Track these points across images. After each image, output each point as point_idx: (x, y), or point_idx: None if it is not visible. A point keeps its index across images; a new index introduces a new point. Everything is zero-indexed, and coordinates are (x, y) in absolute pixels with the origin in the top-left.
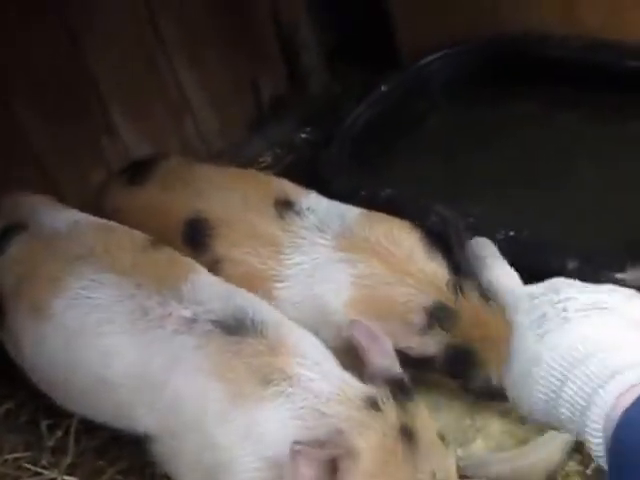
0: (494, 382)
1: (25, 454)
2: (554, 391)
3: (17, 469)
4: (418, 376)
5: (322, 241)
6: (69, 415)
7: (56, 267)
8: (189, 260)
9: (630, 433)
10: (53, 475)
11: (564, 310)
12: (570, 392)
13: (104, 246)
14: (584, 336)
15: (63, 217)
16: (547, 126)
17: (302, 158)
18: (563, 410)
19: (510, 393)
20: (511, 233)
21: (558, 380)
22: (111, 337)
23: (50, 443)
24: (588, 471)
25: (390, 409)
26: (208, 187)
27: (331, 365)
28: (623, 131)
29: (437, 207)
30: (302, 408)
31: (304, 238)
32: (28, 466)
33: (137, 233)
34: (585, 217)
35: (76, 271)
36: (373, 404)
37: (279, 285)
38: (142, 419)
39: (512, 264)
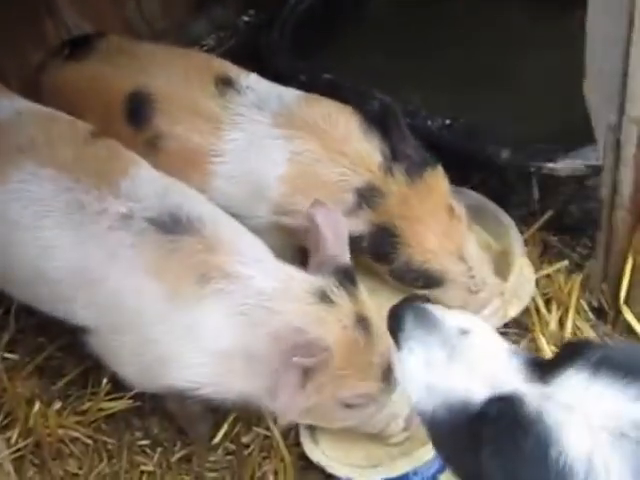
0: (415, 265)
1: None
2: None
3: None
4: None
5: (260, 118)
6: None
7: None
8: (130, 154)
9: None
10: None
11: None
12: None
13: (45, 138)
14: None
15: (5, 105)
16: (489, 16)
17: (244, 41)
18: None
19: None
20: (447, 121)
21: None
22: (48, 231)
23: None
24: None
25: (343, 300)
26: (150, 63)
27: (272, 261)
28: (563, 23)
29: (376, 93)
30: (244, 305)
31: (243, 115)
32: None
33: (80, 124)
34: (521, 107)
35: (16, 164)
36: (324, 297)
37: (217, 160)
38: (80, 313)
39: (448, 151)
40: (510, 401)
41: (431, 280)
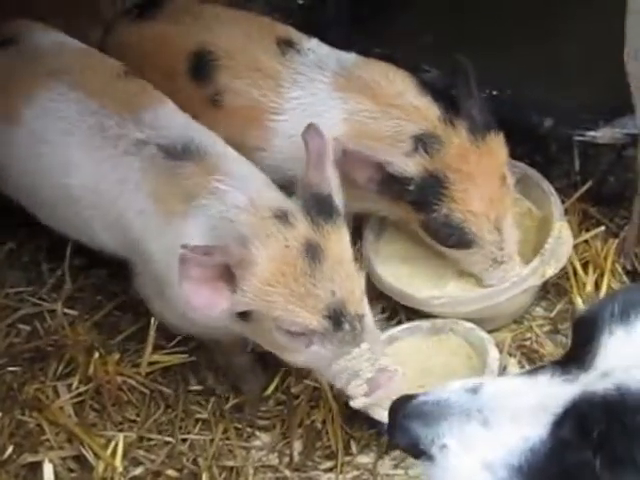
0: (453, 221)
1: (27, 288)
2: None
3: (18, 301)
4: (400, 228)
5: (321, 77)
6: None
7: (31, 79)
8: (159, 93)
9: None
10: (53, 307)
11: None
12: None
13: (80, 66)
14: None
15: (47, 36)
16: None
17: (299, 23)
18: None
19: None
20: (494, 92)
21: None
22: (71, 148)
23: (51, 280)
24: (552, 314)
25: (299, 223)
26: (214, 22)
27: (258, 183)
28: None
29: (427, 67)
30: (215, 218)
31: (304, 74)
32: (29, 298)
33: (114, 61)
34: (564, 77)
35: (48, 84)
36: (281, 216)
37: (277, 118)
38: (101, 235)
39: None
40: (578, 407)
41: (462, 241)
